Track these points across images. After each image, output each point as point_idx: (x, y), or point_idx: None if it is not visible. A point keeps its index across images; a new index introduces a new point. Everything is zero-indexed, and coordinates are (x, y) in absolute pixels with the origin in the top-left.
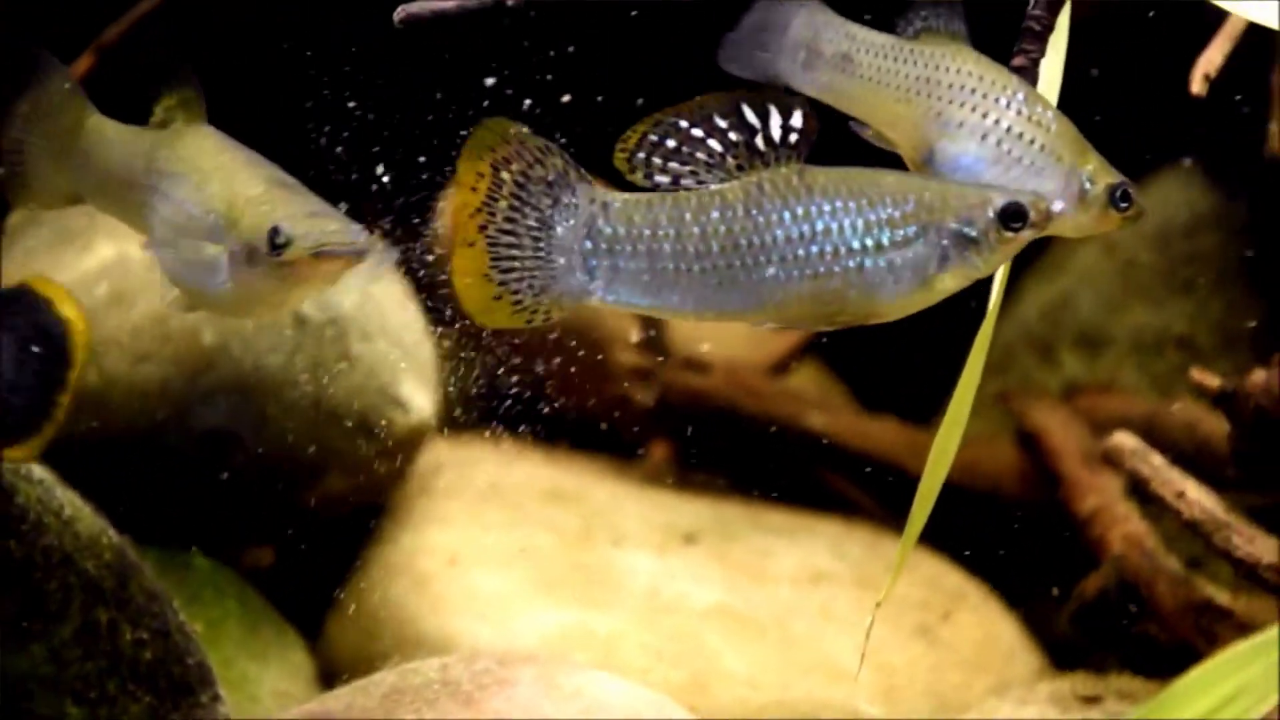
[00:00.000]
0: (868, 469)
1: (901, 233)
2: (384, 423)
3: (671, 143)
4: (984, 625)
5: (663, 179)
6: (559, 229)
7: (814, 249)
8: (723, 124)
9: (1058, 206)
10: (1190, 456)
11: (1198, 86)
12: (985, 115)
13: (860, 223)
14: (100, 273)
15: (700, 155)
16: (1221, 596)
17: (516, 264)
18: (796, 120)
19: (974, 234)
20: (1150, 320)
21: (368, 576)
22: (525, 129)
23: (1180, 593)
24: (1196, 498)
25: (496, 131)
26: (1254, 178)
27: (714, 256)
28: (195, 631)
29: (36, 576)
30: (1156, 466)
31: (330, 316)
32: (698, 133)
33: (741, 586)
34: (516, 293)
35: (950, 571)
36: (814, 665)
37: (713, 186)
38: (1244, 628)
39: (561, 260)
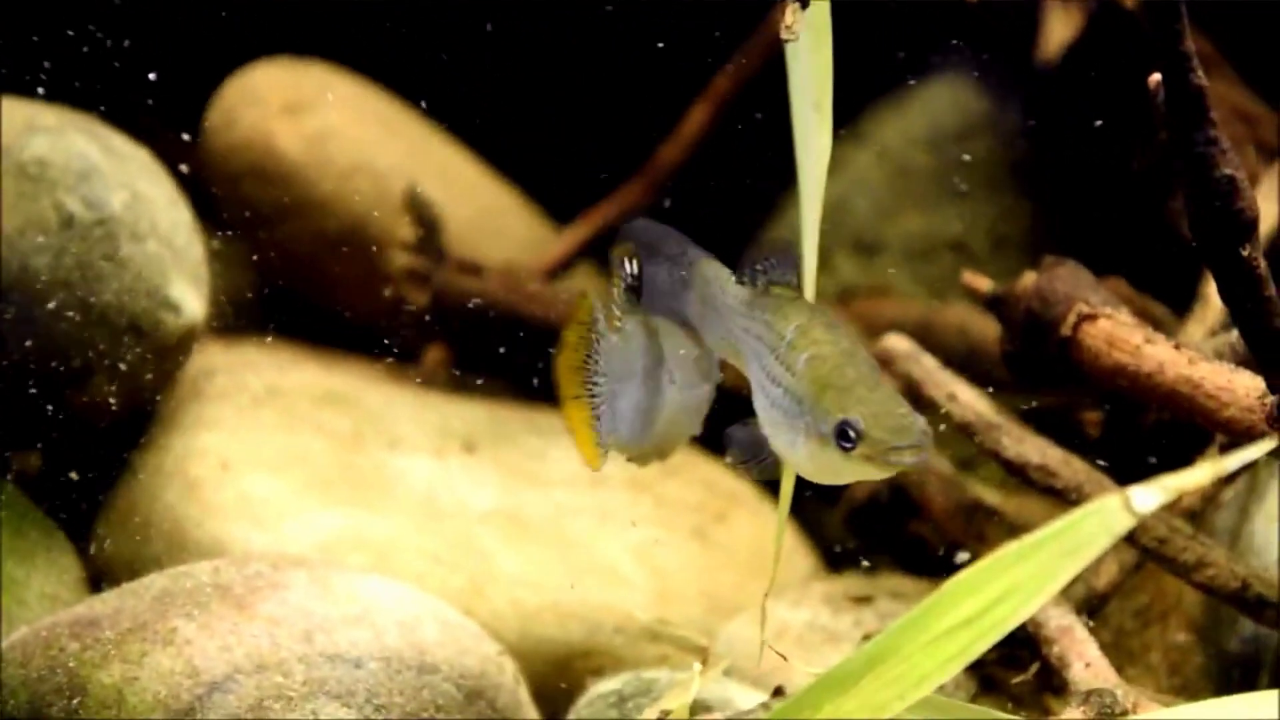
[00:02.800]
0: None
1: None
2: (154, 325)
3: None
4: (758, 527)
5: None
6: None
7: None
8: None
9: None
10: (962, 359)
11: None
12: (763, 369)
13: None
14: None
15: None
16: (991, 497)
17: None
18: None
19: None
20: (923, 225)
21: (138, 481)
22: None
23: (951, 494)
24: (968, 399)
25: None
26: (1024, 82)
27: None
28: None
29: None
30: (928, 369)
31: (99, 216)
32: None
33: (518, 490)
34: None
35: (725, 474)
36: (590, 568)
37: None
38: (1013, 528)
39: None
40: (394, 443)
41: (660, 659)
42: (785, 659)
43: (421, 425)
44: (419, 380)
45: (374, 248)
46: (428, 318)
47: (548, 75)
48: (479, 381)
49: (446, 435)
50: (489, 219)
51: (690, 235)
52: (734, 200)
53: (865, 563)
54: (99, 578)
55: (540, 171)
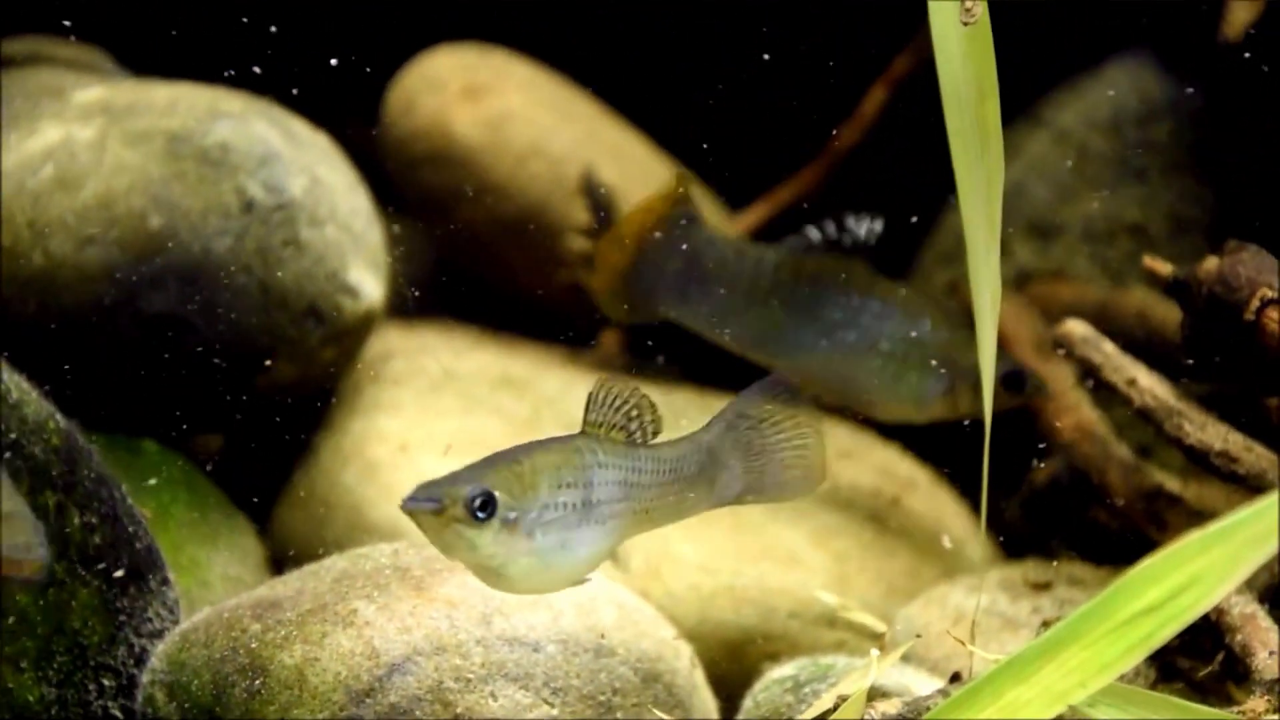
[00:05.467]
0: None
1: None
2: (333, 309)
3: None
4: (934, 512)
5: None
6: None
7: None
8: None
9: None
10: (1141, 344)
11: None
12: None
13: None
14: (45, 155)
15: None
16: (1172, 484)
17: None
18: None
19: None
20: (1102, 208)
21: (318, 463)
22: None
23: (1131, 480)
24: (1148, 385)
25: None
26: (1207, 64)
27: None
28: (144, 516)
29: None
30: (1108, 354)
31: (279, 201)
32: None
33: None
34: None
35: (901, 459)
36: (765, 552)
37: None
38: (1194, 515)
39: None
40: (571, 426)
41: (836, 644)
42: (965, 644)
43: None
44: (596, 364)
45: (552, 232)
46: None
47: (721, 57)
48: (657, 363)
49: None
50: None
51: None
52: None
53: (1050, 545)
54: (280, 559)
55: (714, 155)
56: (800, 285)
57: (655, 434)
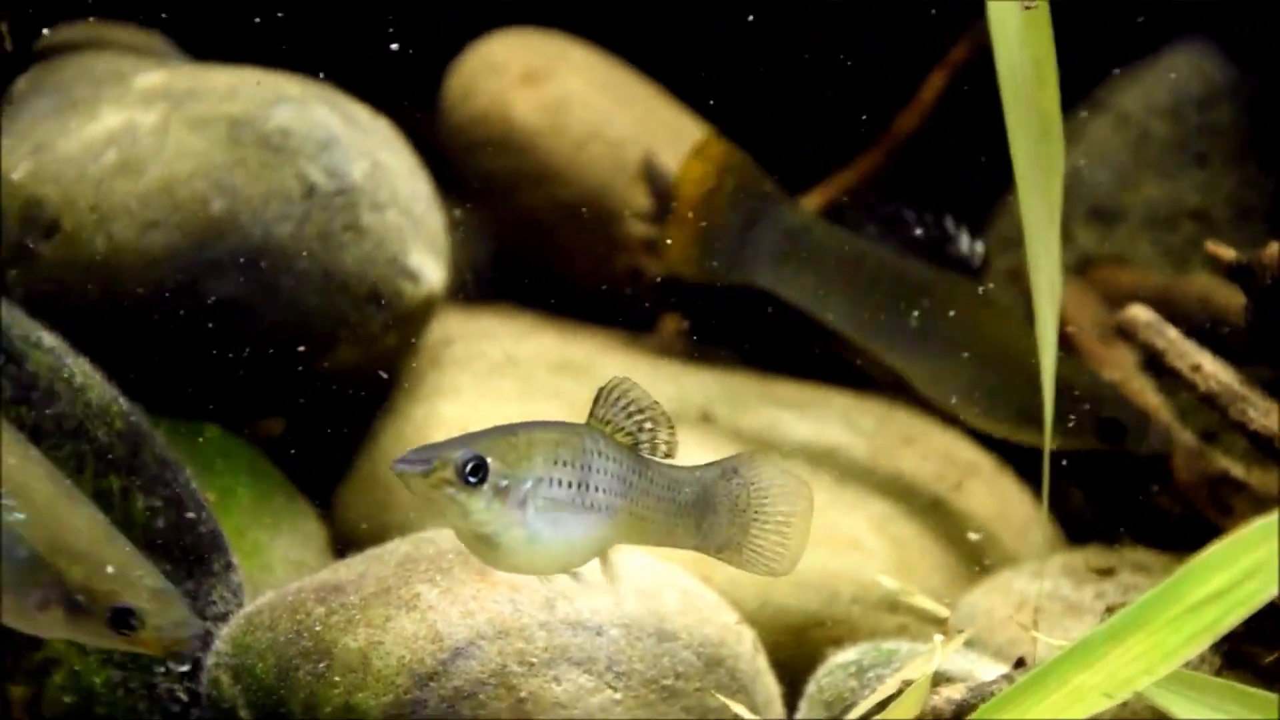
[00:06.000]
0: None
1: None
2: (394, 293)
3: None
4: (997, 498)
5: None
6: None
7: None
8: None
9: None
10: (1204, 329)
11: None
12: None
13: None
14: (107, 140)
15: None
16: (1236, 469)
17: None
18: None
19: None
20: (1164, 193)
21: (379, 447)
22: None
23: (1195, 465)
24: (1212, 370)
25: None
26: (1269, 50)
27: None
28: (208, 500)
29: (48, 444)
30: (1172, 339)
31: (340, 186)
32: None
33: None
34: None
35: (963, 445)
36: (828, 537)
37: None
38: (1258, 500)
39: None
40: None
41: (898, 629)
42: (1029, 631)
43: (658, 395)
44: (655, 349)
45: (609, 218)
46: (664, 287)
47: (780, 41)
48: (718, 351)
49: (683, 405)
50: None
51: (926, 204)
52: (969, 171)
53: (1114, 531)
54: (343, 543)
55: (773, 139)
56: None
57: (667, 455)
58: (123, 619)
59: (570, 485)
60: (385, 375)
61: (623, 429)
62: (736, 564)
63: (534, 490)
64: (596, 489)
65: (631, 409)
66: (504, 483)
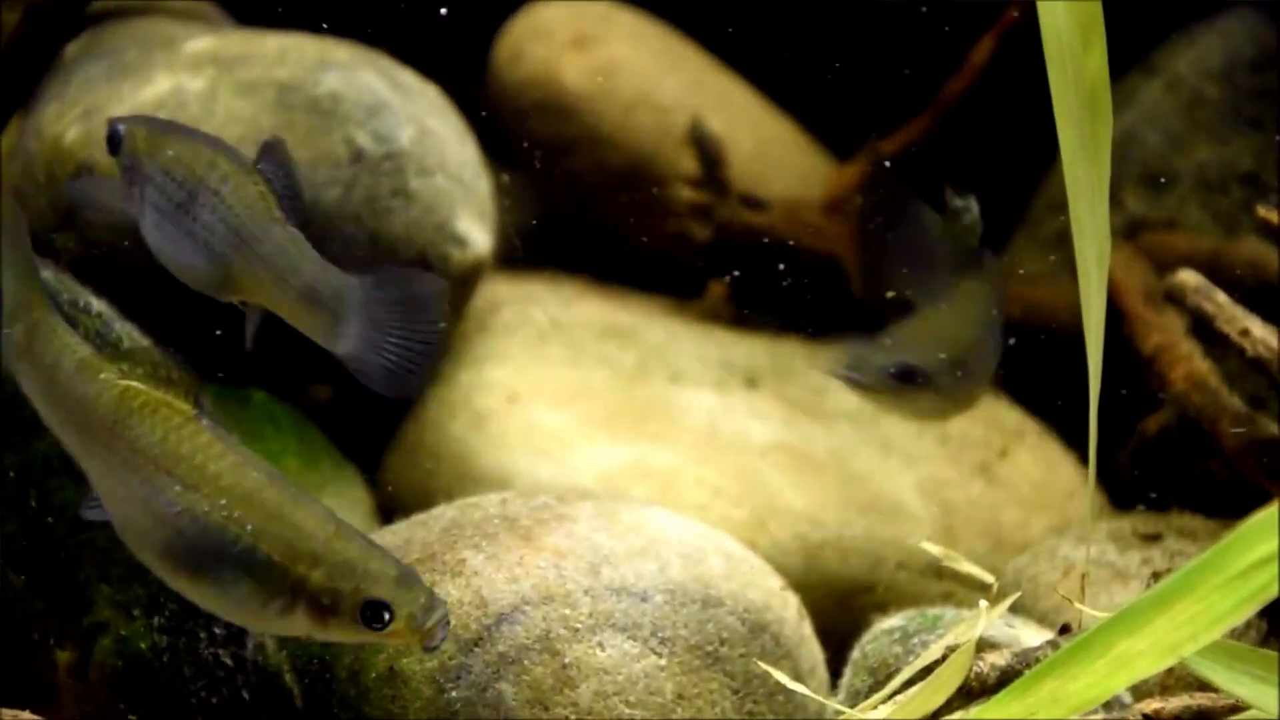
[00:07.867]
0: None
1: None
2: (441, 259)
3: None
4: (1043, 464)
5: None
6: None
7: None
8: None
9: None
10: (1254, 294)
11: None
12: None
13: None
14: (156, 105)
15: None
16: None
17: None
18: None
19: None
20: (1215, 157)
21: (426, 414)
22: None
23: (1243, 431)
24: (1261, 335)
25: None
26: None
27: None
28: None
29: None
30: (1220, 304)
31: (388, 151)
32: None
33: (800, 424)
34: None
35: (1009, 410)
36: (873, 503)
37: None
38: None
39: None
40: (676, 377)
41: (944, 595)
42: (1072, 601)
43: (703, 360)
44: (702, 315)
45: (657, 182)
46: (711, 252)
47: (827, 5)
48: (764, 317)
49: (729, 370)
50: (771, 153)
51: (972, 171)
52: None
53: (1160, 497)
54: (388, 509)
55: (821, 104)
56: None
57: None
58: (375, 614)
59: None
60: None
61: None
62: (366, 382)
63: None
64: None
65: None
66: None
